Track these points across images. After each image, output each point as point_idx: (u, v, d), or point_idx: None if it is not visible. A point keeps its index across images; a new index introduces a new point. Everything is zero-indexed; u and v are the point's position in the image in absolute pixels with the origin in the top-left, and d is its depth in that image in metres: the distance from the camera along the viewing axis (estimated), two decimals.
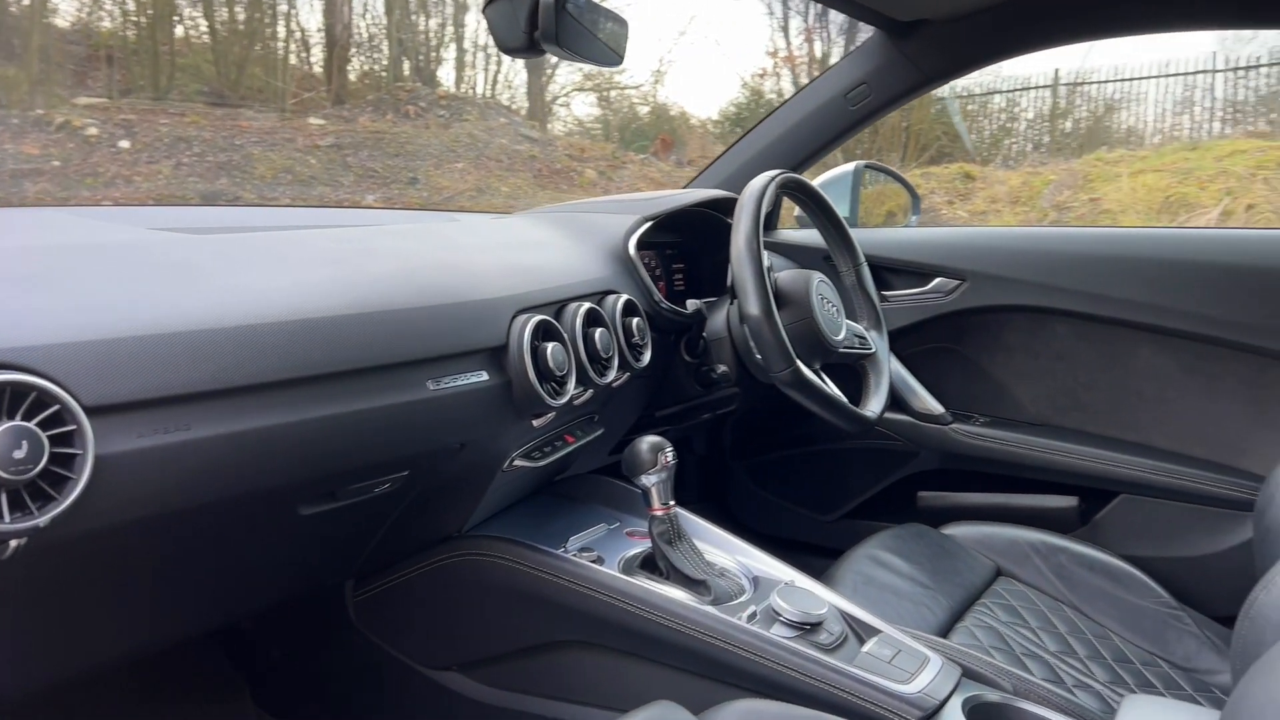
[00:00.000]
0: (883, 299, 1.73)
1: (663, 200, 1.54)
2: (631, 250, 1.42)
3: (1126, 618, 1.43)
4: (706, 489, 2.04)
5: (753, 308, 1.27)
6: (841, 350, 1.43)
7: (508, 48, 1.18)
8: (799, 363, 1.29)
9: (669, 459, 1.17)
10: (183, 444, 0.75)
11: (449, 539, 1.23)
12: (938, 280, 1.70)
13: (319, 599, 1.34)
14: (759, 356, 1.37)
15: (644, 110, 9.64)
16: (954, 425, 1.71)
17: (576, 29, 1.16)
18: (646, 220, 1.47)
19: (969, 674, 1.08)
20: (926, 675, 1.03)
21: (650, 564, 1.20)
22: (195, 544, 0.88)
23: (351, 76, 8.14)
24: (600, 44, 1.22)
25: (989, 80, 8.75)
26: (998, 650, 1.30)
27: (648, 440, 1.18)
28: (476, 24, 9.42)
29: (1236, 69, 8.10)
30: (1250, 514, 1.51)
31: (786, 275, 1.42)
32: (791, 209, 1.93)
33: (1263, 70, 7.97)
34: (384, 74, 8.33)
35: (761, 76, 9.75)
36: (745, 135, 1.81)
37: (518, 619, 1.19)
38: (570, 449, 1.29)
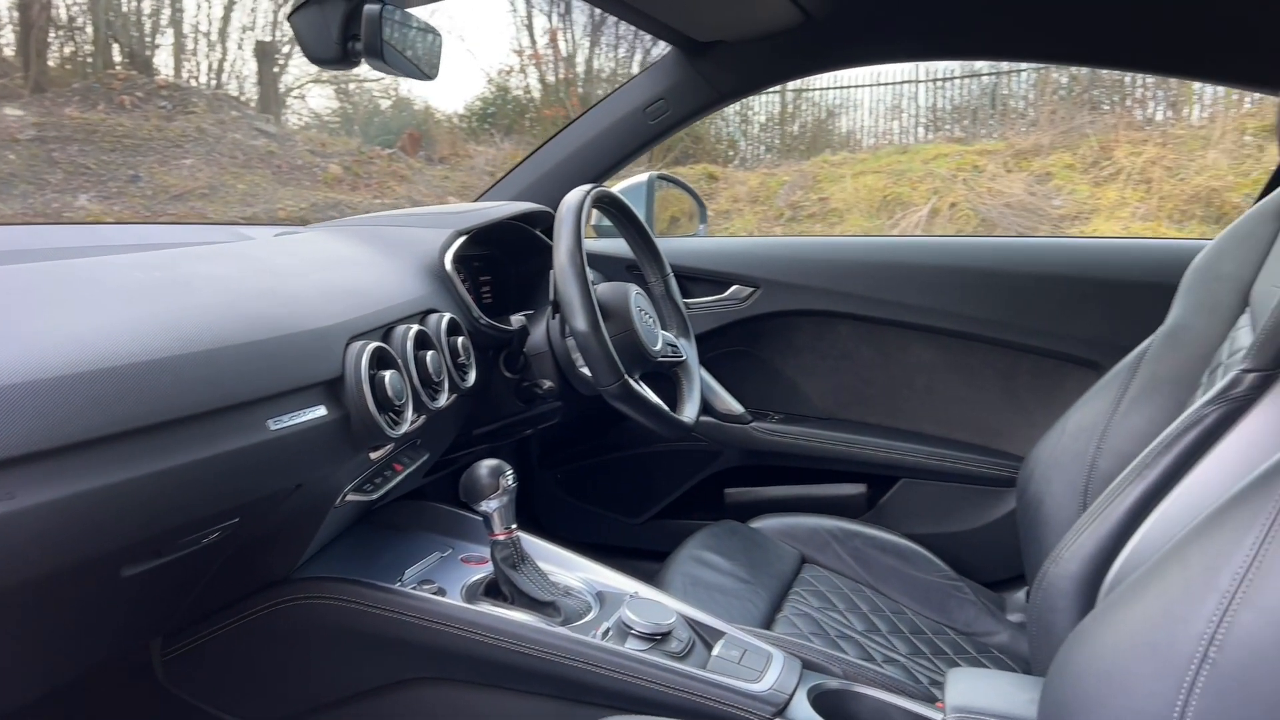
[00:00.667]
0: (686, 306, 1.80)
1: (474, 213, 1.51)
2: (448, 266, 1.38)
3: (916, 592, 1.58)
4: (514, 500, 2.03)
5: (580, 323, 1.28)
6: (659, 360, 1.47)
7: (318, 58, 1.11)
8: (627, 376, 1.32)
9: (510, 482, 1.16)
10: (5, 516, 0.65)
11: (274, 584, 1.15)
12: (734, 288, 1.79)
13: (119, 661, 1.20)
14: (585, 370, 1.38)
15: (386, 104, 9.32)
16: (754, 424, 1.81)
17: (395, 41, 1.11)
18: (461, 234, 1.43)
19: (806, 664, 1.15)
20: (773, 671, 1.09)
21: (494, 590, 1.18)
22: (4, 623, 0.77)
23: (51, 62, 7.27)
24: (417, 57, 1.18)
25: None
26: (816, 636, 1.40)
27: (486, 464, 1.15)
28: (198, 7, 8.70)
29: (935, 80, 9.02)
30: (1010, 489, 1.72)
31: (606, 288, 1.43)
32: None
33: (956, 82, 8.92)
34: (90, 60, 7.51)
35: (508, 73, 9.73)
36: (543, 146, 1.81)
37: (359, 661, 1.13)
38: (400, 477, 1.24)
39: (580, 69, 9.40)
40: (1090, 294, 1.64)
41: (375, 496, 1.18)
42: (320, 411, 0.98)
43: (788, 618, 1.42)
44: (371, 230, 1.46)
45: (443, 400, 1.20)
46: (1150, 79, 7.42)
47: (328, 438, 0.99)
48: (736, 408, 1.83)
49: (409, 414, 1.10)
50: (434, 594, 1.15)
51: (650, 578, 1.51)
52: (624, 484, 1.94)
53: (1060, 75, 8.38)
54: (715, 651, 1.11)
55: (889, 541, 1.64)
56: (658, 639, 1.10)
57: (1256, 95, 6.43)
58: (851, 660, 1.21)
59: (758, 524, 1.66)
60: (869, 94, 9.20)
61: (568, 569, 1.27)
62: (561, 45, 9.37)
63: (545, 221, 1.65)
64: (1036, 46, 1.51)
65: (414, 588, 1.15)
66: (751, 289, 1.79)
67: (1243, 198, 6.79)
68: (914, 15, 1.47)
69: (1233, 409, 1.02)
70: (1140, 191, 7.38)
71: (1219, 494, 1.01)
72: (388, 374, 1.06)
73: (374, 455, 1.11)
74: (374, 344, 1.06)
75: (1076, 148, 7.95)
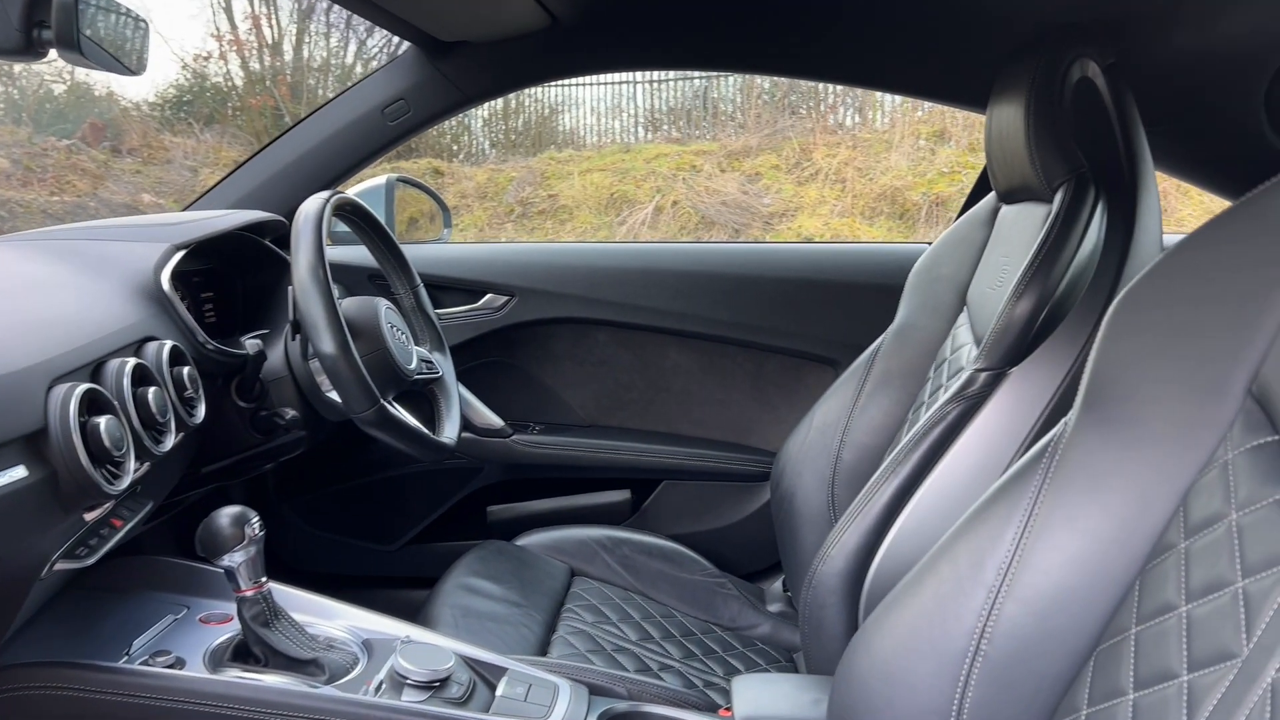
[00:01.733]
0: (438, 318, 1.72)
1: (193, 224, 1.34)
2: (166, 285, 1.21)
3: (683, 593, 1.60)
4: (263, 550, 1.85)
5: (327, 345, 1.17)
6: (415, 378, 1.38)
7: None
8: (383, 400, 1.22)
9: (257, 530, 1.03)
10: None
11: None
12: (488, 296, 1.73)
13: None
14: (334, 396, 1.26)
15: (60, 89, 8.25)
16: (514, 437, 1.76)
17: (94, 29, 0.95)
18: (179, 249, 1.27)
19: (592, 689, 1.12)
20: (561, 703, 1.05)
21: (244, 653, 1.05)
22: None
23: None
24: (120, 49, 1.01)
25: None
26: (594, 654, 1.37)
27: (227, 513, 1.02)
28: None
29: (652, 81, 9.34)
30: (762, 483, 1.79)
31: (352, 304, 1.32)
32: None
33: (670, 84, 9.27)
34: None
35: (206, 59, 8.94)
36: (268, 148, 1.64)
37: None
38: (120, 534, 1.07)
39: (289, 57, 8.81)
40: (827, 296, 1.74)
41: (91, 561, 1.01)
42: (19, 472, 0.81)
43: (563, 638, 1.39)
44: (66, 245, 1.25)
45: (169, 442, 1.05)
46: (839, 87, 8.09)
47: (30, 502, 0.83)
48: (496, 421, 1.77)
49: (130, 464, 0.94)
50: (171, 666, 1.00)
51: (415, 608, 1.42)
52: (375, 510, 1.82)
53: (763, 81, 8.93)
54: (500, 691, 1.05)
55: (655, 545, 1.65)
56: (436, 686, 1.02)
57: (928, 104, 7.23)
58: (633, 677, 1.20)
59: (524, 541, 1.61)
60: (590, 93, 9.36)
61: (327, 618, 1.15)
62: (266, 31, 8.73)
63: (276, 231, 1.51)
64: (775, 62, 1.58)
65: (145, 662, 1.00)
66: (506, 297, 1.74)
67: (920, 195, 7.58)
68: (661, 25, 1.48)
69: (970, 405, 1.11)
70: (837, 190, 8.05)
71: (964, 483, 1.10)
72: (102, 420, 0.90)
73: (89, 516, 0.95)
74: (83, 385, 0.90)
75: (780, 149, 8.53)
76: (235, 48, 8.72)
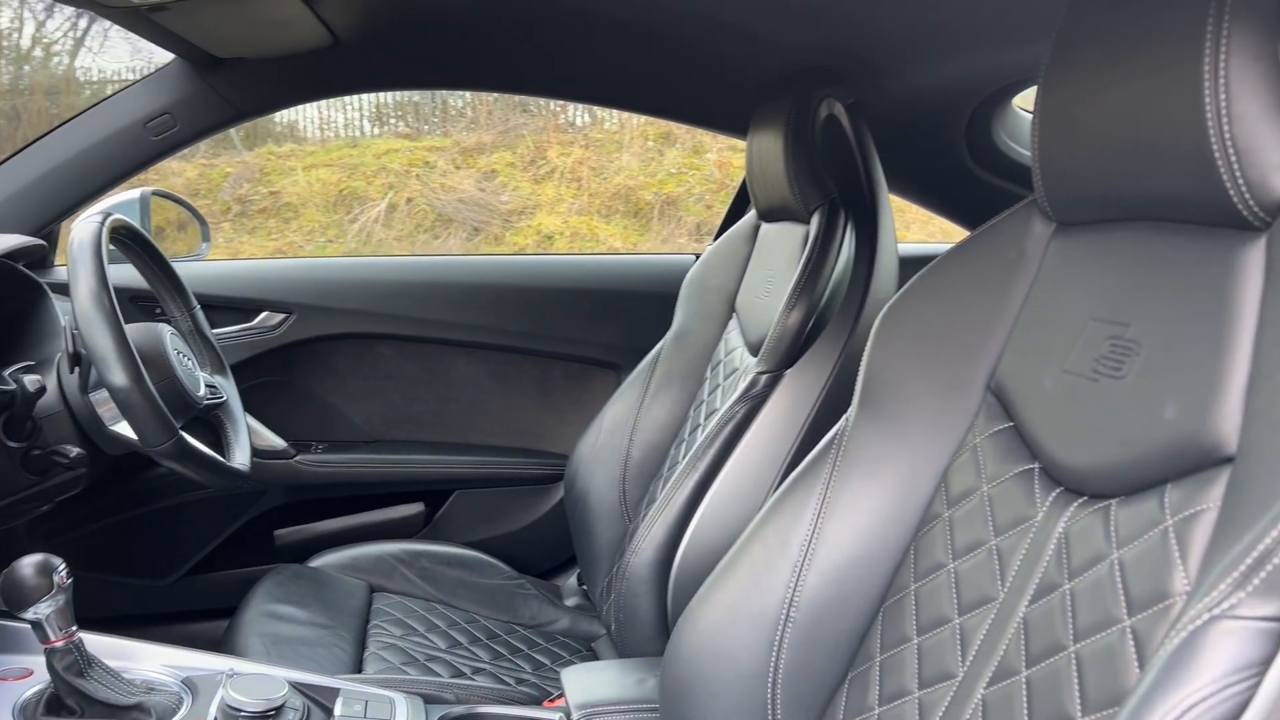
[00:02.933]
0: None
1: None
2: None
3: (484, 598, 1.65)
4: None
5: (120, 377, 1.12)
6: (204, 404, 1.34)
7: None
8: (181, 431, 1.19)
9: (64, 578, 0.98)
10: None
11: None
12: (264, 314, 1.68)
13: None
14: (120, 429, 1.21)
15: None
16: (298, 457, 1.72)
17: None
18: None
19: (426, 699, 1.16)
20: (401, 715, 1.08)
21: (56, 706, 0.99)
22: None
23: None
24: None
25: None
26: (409, 666, 1.40)
27: (29, 562, 0.96)
28: None
29: None
30: (551, 485, 1.87)
31: (136, 332, 1.26)
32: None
33: None
34: None
35: None
36: (7, 162, 1.50)
37: None
38: None
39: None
40: (608, 305, 1.85)
41: None
42: None
43: (376, 654, 1.41)
44: None
45: None
46: None
47: None
48: (277, 442, 1.72)
49: None
50: None
51: (204, 642, 1.38)
52: (146, 544, 1.71)
53: None
54: (337, 712, 1.07)
55: (452, 554, 1.69)
56: (271, 716, 1.02)
57: None
58: (459, 682, 1.25)
59: (318, 562, 1.60)
60: None
61: (138, 660, 1.11)
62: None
63: (32, 255, 1.39)
64: (549, 85, 1.66)
65: None
66: (284, 315, 1.70)
67: (652, 195, 7.95)
68: (439, 48, 1.52)
69: (754, 405, 1.26)
70: (573, 189, 8.27)
71: (754, 473, 1.25)
72: None
73: None
74: None
75: (515, 147, 8.61)
76: None
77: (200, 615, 1.67)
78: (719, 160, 7.56)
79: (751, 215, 1.61)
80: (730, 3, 1.29)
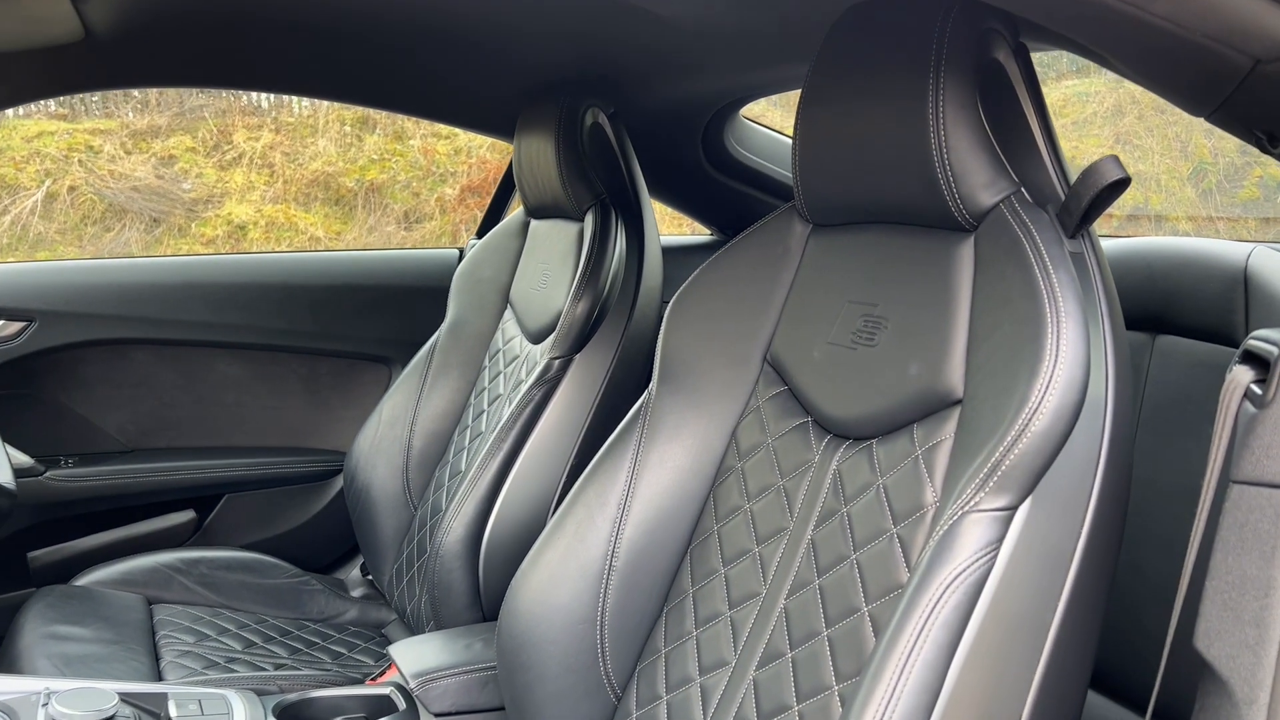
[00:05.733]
0: None
1: None
2: None
3: (269, 598, 1.65)
4: None
5: None
6: None
7: None
8: None
9: None
10: None
11: None
12: None
13: None
14: None
15: None
16: (47, 474, 1.61)
17: None
18: None
19: (256, 691, 1.18)
20: (239, 708, 1.10)
21: None
22: None
23: None
24: None
25: None
26: (210, 669, 1.39)
27: None
28: None
29: None
30: (326, 481, 1.89)
31: None
32: None
33: None
34: None
35: None
36: None
37: None
38: None
39: None
40: (376, 300, 1.88)
41: None
42: None
43: (174, 663, 1.38)
44: None
45: None
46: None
47: None
48: (22, 459, 1.60)
49: None
50: None
51: None
52: None
53: None
54: (173, 714, 1.07)
55: (232, 558, 1.66)
56: None
57: None
58: (280, 674, 1.28)
59: (85, 580, 1.52)
60: None
61: None
62: None
63: None
64: (317, 84, 1.66)
65: None
66: (24, 323, 1.57)
67: (354, 181, 7.74)
68: (197, 44, 1.49)
69: (550, 387, 1.39)
70: (266, 175, 7.84)
71: (553, 448, 1.38)
72: None
73: None
74: None
75: (196, 130, 8.01)
76: None
77: None
78: (424, 146, 7.51)
79: (519, 212, 1.72)
80: (492, 20, 1.39)
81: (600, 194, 1.47)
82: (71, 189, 6.93)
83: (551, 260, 1.56)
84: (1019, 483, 0.71)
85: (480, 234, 1.87)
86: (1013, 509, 0.72)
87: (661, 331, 1.11)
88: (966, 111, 0.83)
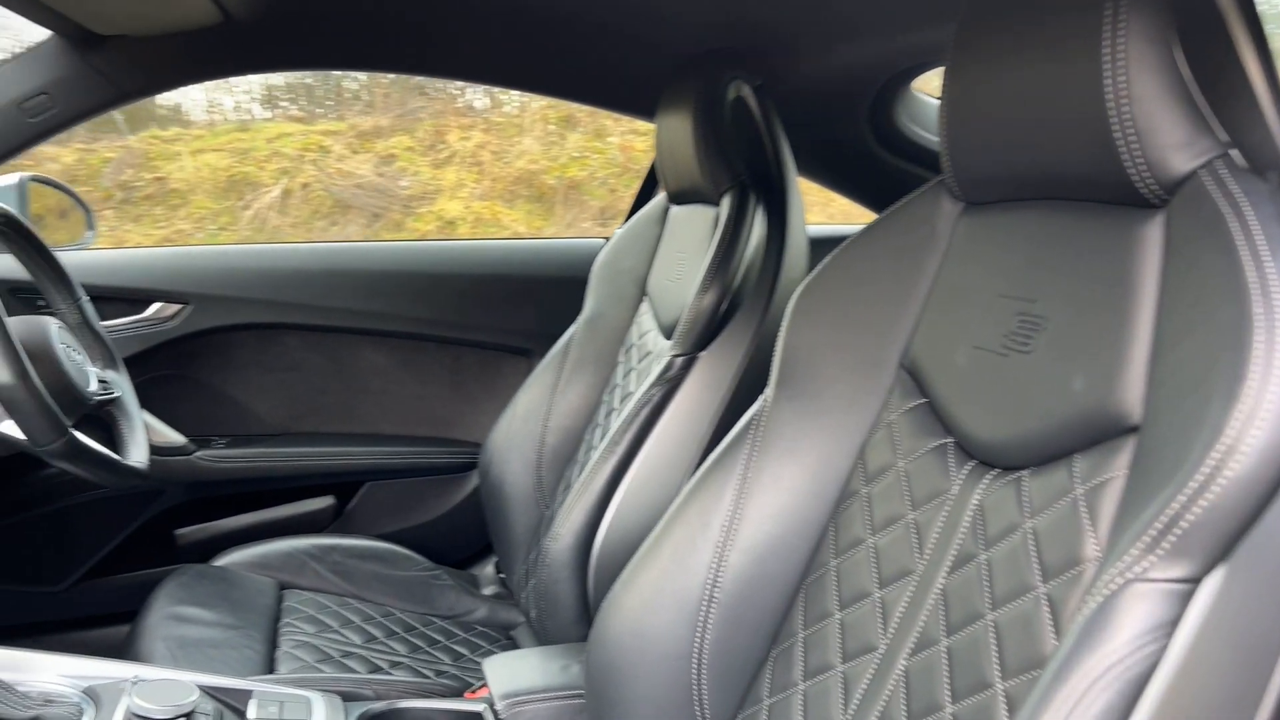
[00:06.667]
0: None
1: None
2: None
3: (399, 590, 1.62)
4: None
5: (2, 374, 1.06)
6: (95, 401, 1.27)
7: None
8: (71, 429, 1.13)
9: None
10: None
11: None
12: (157, 306, 1.61)
13: None
14: (5, 430, 1.14)
15: None
16: (198, 453, 1.66)
17: None
18: None
19: (344, 697, 1.13)
20: (319, 714, 1.05)
21: None
22: None
23: None
24: None
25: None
26: (324, 663, 1.36)
27: None
28: None
29: None
30: (464, 474, 1.85)
31: (19, 325, 1.19)
32: None
33: None
34: None
35: None
36: None
37: None
38: None
39: None
40: (518, 290, 1.83)
41: None
42: None
43: (289, 653, 1.36)
44: None
45: None
46: None
47: None
48: (176, 438, 1.65)
49: None
50: None
51: (104, 649, 1.32)
52: (37, 549, 1.62)
53: None
54: (251, 715, 1.03)
55: (365, 547, 1.65)
56: None
57: None
58: (377, 678, 1.23)
59: (223, 561, 1.54)
60: None
61: (33, 671, 1.05)
62: None
63: None
64: (456, 65, 1.62)
65: None
66: (179, 305, 1.62)
67: (555, 179, 7.89)
68: (335, 26, 1.47)
69: (670, 388, 1.26)
70: (474, 173, 8.14)
71: (672, 456, 1.25)
72: None
73: None
74: None
75: (414, 131, 8.42)
76: None
77: (98, 621, 1.59)
78: (622, 144, 7.54)
79: (661, 198, 1.61)
80: None
81: (739, 175, 1.33)
82: (305, 186, 7.47)
83: (688, 248, 1.43)
84: (1205, 546, 0.52)
85: (627, 221, 1.77)
86: (1195, 581, 0.52)
87: (783, 328, 0.96)
88: (1156, 48, 0.63)
